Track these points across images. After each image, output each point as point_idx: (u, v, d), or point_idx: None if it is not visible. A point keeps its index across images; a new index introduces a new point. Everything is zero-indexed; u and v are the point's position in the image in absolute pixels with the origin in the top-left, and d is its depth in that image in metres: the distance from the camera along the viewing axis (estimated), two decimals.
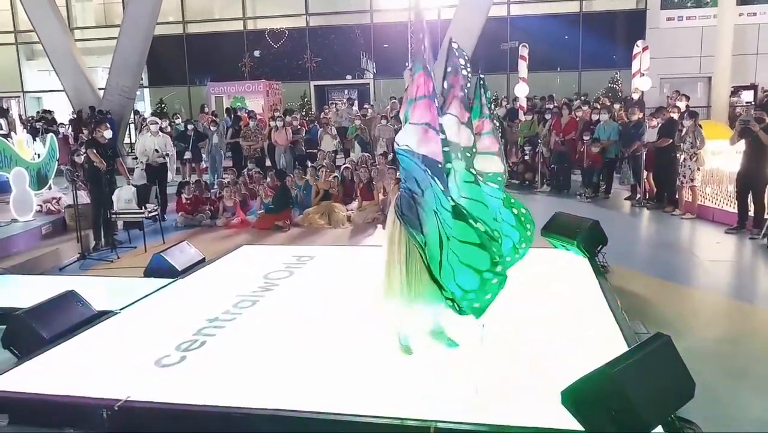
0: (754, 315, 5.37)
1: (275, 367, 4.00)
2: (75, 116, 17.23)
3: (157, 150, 9.92)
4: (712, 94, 17.73)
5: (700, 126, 9.12)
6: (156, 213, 8.72)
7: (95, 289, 5.68)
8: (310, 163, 11.32)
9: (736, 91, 17.87)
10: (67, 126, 16.66)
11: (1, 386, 3.84)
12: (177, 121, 14.08)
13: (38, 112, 19.94)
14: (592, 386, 3.06)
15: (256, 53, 21.33)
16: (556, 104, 13.62)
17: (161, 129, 11.84)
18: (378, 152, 12.45)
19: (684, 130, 9.04)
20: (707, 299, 5.78)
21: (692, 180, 8.99)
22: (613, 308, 4.82)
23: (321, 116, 15.03)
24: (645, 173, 10.05)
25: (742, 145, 7.94)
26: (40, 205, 9.43)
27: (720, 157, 9.62)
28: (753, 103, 16.31)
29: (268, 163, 12.92)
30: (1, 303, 5.41)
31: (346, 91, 20.97)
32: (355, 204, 9.87)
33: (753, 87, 18.11)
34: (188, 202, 9.69)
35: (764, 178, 7.62)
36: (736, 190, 8.08)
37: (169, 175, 12.34)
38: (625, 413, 2.93)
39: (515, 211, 4.15)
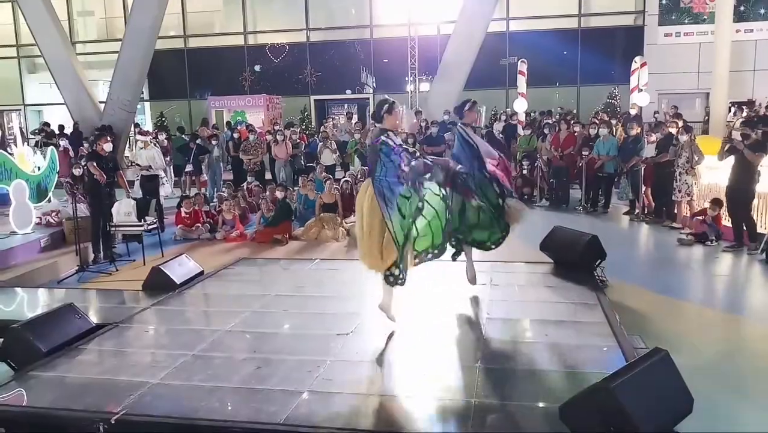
0: (752, 330, 5.36)
1: (273, 380, 3.99)
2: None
3: (138, 164, 10.20)
4: (710, 110, 17.81)
5: (693, 140, 9.17)
6: (155, 226, 8.72)
7: (93, 302, 5.68)
8: (300, 177, 11.33)
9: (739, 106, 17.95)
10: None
11: None
12: (182, 136, 14.17)
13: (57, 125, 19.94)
14: (590, 401, 3.06)
15: (257, 68, 21.45)
16: (555, 118, 13.70)
17: (157, 143, 11.98)
18: None
19: (679, 145, 9.09)
20: (705, 314, 5.77)
21: (689, 195, 9.02)
22: (612, 322, 4.82)
23: (321, 130, 15.09)
24: (643, 188, 10.07)
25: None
26: (40, 218, 9.43)
27: (716, 172, 9.65)
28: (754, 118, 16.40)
29: (268, 176, 12.96)
30: None
31: (345, 106, 21.07)
32: (353, 217, 9.87)
33: (750, 103, 18.20)
34: (187, 215, 9.70)
35: (751, 193, 7.62)
36: (727, 207, 8.07)
37: (167, 189, 12.38)
38: (624, 428, 2.92)
39: None
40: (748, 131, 7.59)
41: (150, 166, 10.14)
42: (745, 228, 7.80)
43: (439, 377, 3.93)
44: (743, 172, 7.52)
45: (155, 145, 11.64)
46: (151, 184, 10.19)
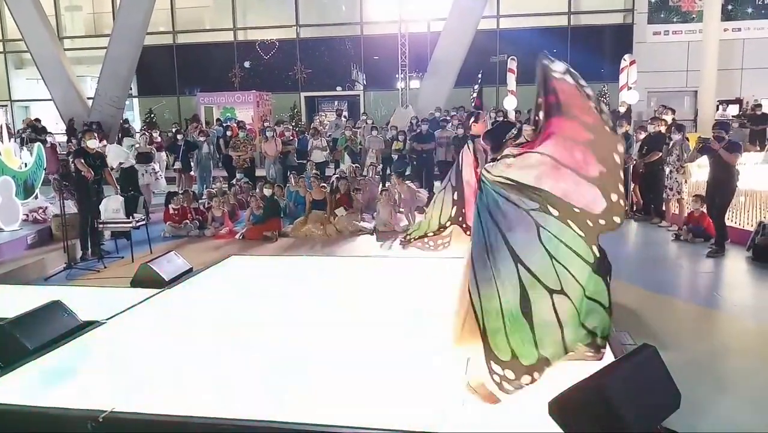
0: (739, 327, 5.40)
1: (262, 377, 3.98)
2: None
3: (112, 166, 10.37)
4: (698, 108, 17.96)
5: (687, 139, 9.21)
6: (143, 223, 8.66)
7: (81, 299, 5.63)
8: (290, 173, 11.32)
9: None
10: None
11: None
12: (173, 131, 14.19)
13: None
14: (578, 396, 3.07)
15: (247, 64, 21.36)
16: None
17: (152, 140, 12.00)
18: (367, 163, 12.49)
19: (672, 144, 9.14)
20: (693, 311, 5.81)
21: (679, 192, 9.08)
22: None
23: (311, 126, 15.05)
24: (632, 186, 10.12)
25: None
26: (27, 215, 9.35)
27: (705, 170, 9.70)
28: (742, 117, 16.55)
29: (258, 173, 12.91)
30: None
31: (336, 103, 21.02)
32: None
33: (738, 101, 18.35)
34: (176, 212, 9.64)
35: (730, 192, 7.63)
36: (706, 207, 8.05)
37: (162, 183, 12.35)
38: (612, 423, 2.94)
39: None
40: (722, 134, 7.55)
41: (121, 163, 10.22)
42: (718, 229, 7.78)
43: (430, 372, 3.93)
44: (722, 172, 7.51)
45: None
46: (129, 176, 10.18)
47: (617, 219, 3.11)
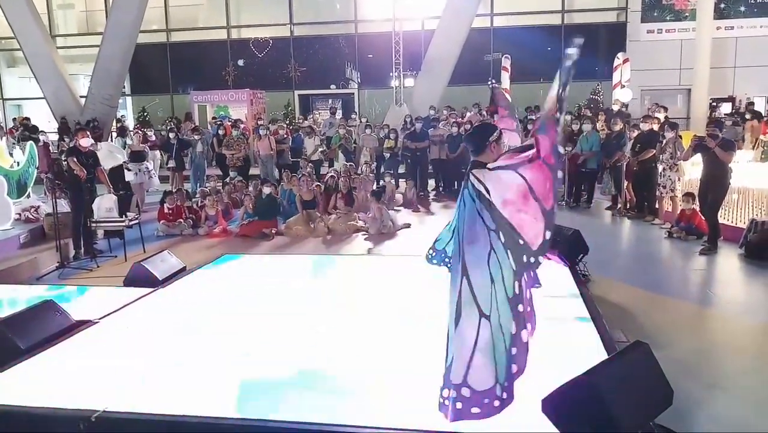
0: (732, 325, 5.42)
1: (256, 376, 3.97)
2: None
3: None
4: (691, 106, 18.03)
5: (680, 137, 9.24)
6: (137, 222, 8.63)
7: (74, 298, 5.61)
8: (282, 172, 11.30)
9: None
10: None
11: None
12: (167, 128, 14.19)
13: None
14: (571, 393, 3.08)
15: (240, 62, 21.31)
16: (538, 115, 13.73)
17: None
18: (361, 162, 12.48)
19: (665, 141, 9.16)
20: (686, 309, 5.83)
21: (672, 190, 9.11)
22: (594, 316, 4.86)
23: (303, 125, 15.02)
24: (625, 183, 10.15)
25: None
26: (19, 214, 9.30)
27: (699, 167, 9.73)
28: (734, 115, 16.62)
29: (252, 171, 12.89)
30: None
31: (330, 101, 21.00)
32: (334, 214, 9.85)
33: (731, 99, 18.44)
34: (170, 211, 9.61)
35: (724, 190, 7.64)
36: (699, 205, 8.05)
37: (155, 181, 12.33)
38: (605, 421, 2.95)
39: None
40: (717, 132, 7.56)
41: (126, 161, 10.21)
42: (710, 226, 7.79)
43: (428, 371, 3.93)
44: (716, 170, 7.52)
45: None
46: (118, 175, 10.15)
47: (542, 260, 3.05)
